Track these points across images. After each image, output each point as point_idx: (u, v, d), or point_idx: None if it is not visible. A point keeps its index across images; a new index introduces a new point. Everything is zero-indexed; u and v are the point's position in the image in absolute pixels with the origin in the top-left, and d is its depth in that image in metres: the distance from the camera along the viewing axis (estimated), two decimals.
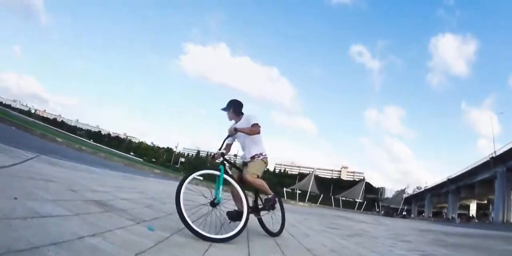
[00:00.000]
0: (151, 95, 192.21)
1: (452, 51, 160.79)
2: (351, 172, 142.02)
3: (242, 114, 3.39)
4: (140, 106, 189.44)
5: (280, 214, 3.57)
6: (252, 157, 3.23)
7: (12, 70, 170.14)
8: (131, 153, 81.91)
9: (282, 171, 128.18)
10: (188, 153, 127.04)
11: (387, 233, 8.13)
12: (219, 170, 2.82)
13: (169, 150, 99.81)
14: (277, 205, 3.43)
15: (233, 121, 3.40)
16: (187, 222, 2.34)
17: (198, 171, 2.74)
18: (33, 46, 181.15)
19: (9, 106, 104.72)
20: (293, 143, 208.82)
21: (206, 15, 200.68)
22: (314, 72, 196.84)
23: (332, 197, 53.37)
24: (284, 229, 3.64)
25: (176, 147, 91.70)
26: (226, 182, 2.85)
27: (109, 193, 3.81)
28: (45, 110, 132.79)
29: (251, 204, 3.10)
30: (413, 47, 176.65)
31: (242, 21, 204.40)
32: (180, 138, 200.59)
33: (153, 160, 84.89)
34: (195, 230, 2.35)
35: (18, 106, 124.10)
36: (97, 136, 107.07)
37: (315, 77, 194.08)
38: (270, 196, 3.25)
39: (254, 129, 3.14)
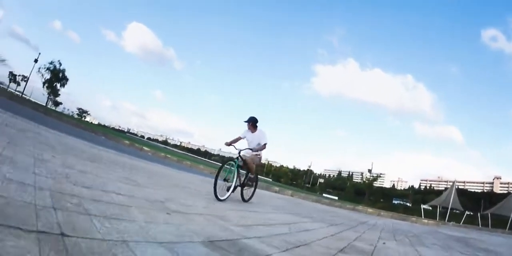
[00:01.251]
0: (287, 121, 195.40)
1: None
2: (505, 183, 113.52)
3: (257, 127, 5.51)
4: (278, 132, 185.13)
5: (252, 190, 5.90)
6: (256, 154, 5.48)
7: (157, 110, 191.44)
8: (270, 177, 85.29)
9: (427, 187, 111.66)
10: (329, 174, 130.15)
11: None
12: (235, 161, 5.11)
13: (308, 172, 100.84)
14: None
15: (247, 131, 5.57)
16: (215, 187, 4.58)
17: (228, 162, 5.08)
18: (171, 88, 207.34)
19: (156, 140, 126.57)
20: (437, 156, 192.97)
21: (327, 34, 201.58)
22: (449, 70, 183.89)
23: (479, 214, 39.19)
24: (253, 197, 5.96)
25: (309, 166, 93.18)
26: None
27: None
28: (189, 142, 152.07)
29: (242, 179, 5.39)
30: None
31: (363, 32, 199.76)
32: (321, 160, 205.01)
33: (293, 182, 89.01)
34: (215, 192, 4.59)
35: (163, 139, 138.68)
36: None
37: (453, 76, 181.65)
38: (252, 176, 5.58)
39: (263, 148, 5.45)
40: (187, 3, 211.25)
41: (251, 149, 5.36)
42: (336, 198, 57.01)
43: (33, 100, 53.93)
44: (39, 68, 48.40)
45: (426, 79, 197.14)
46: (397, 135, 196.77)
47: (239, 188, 5.39)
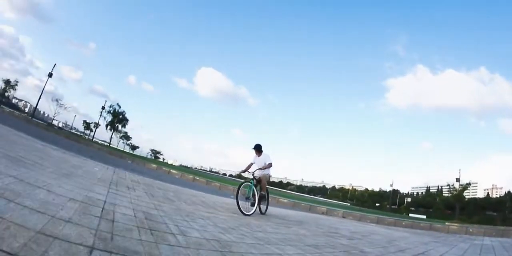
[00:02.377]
0: (368, 142, 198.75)
1: None
2: None
3: (262, 152, 6.61)
4: (360, 155, 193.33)
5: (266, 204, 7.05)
6: (265, 173, 6.59)
7: (237, 148, 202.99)
8: (348, 201, 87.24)
9: None
10: (417, 192, 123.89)
11: None
12: (251, 182, 6.29)
13: (395, 192, 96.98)
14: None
15: (255, 156, 6.68)
16: (239, 205, 5.64)
17: (245, 182, 6.29)
18: (249, 124, 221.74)
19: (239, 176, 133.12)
20: None
21: (391, 44, 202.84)
22: None
23: None
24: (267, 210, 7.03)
25: (391, 185, 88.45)
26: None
27: None
28: (271, 176, 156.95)
29: (258, 196, 6.28)
30: None
31: (424, 33, 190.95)
32: (407, 177, 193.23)
33: (377, 204, 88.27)
34: (240, 209, 5.61)
35: (246, 175, 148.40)
36: (321, 190, 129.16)
37: None
38: (263, 193, 6.55)
39: (269, 166, 6.54)
40: (247, 40, 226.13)
41: (260, 168, 6.51)
42: (424, 217, 52.67)
43: (105, 142, 60.04)
44: (101, 112, 54.23)
45: (501, 66, 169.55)
46: (484, 136, 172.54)
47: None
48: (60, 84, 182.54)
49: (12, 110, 62.51)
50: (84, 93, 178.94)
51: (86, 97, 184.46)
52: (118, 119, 57.52)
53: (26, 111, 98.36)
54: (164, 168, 22.07)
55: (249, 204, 6.09)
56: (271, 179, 7.56)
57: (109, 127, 57.70)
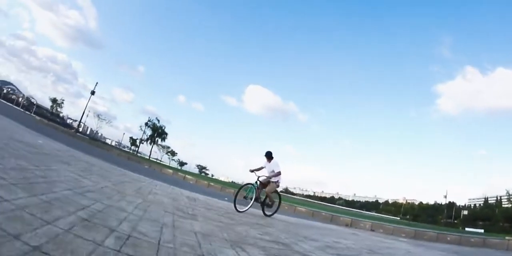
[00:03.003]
0: (420, 151, 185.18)
1: None
2: None
3: (272, 158, 6.98)
4: (413, 166, 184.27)
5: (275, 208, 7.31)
6: (272, 181, 6.84)
7: (289, 164, 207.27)
8: (400, 215, 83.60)
9: None
10: (474, 204, 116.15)
11: None
12: (253, 185, 6.71)
13: (450, 205, 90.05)
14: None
15: (266, 162, 7.02)
16: (235, 202, 6.67)
17: (245, 185, 6.84)
18: (300, 140, 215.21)
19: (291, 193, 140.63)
20: None
21: (435, 47, 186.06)
22: None
23: None
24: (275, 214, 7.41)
25: (445, 197, 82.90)
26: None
27: None
28: (322, 191, 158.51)
29: (262, 200, 6.90)
30: None
31: (469, 31, 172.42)
32: (463, 189, 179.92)
33: (430, 219, 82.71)
34: (235, 206, 6.58)
35: (297, 191, 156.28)
36: (373, 205, 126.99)
37: None
38: (271, 202, 6.98)
39: (277, 174, 6.79)
40: (292, 54, 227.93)
41: (268, 176, 6.90)
42: (482, 231, 47.32)
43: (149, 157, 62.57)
44: (140, 126, 56.43)
45: None
46: None
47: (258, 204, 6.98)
48: (113, 106, 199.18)
49: (66, 128, 68.15)
50: (136, 114, 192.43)
51: (138, 117, 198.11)
52: (157, 133, 58.98)
53: (80, 130, 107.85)
54: (179, 173, 21.87)
55: (246, 202, 6.75)
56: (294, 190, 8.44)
57: (149, 140, 59.40)
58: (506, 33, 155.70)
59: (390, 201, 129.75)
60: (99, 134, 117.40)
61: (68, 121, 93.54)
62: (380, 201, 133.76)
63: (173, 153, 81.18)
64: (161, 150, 74.23)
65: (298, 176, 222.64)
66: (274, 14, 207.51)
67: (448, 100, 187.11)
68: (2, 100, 47.20)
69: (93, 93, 47.40)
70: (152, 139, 59.80)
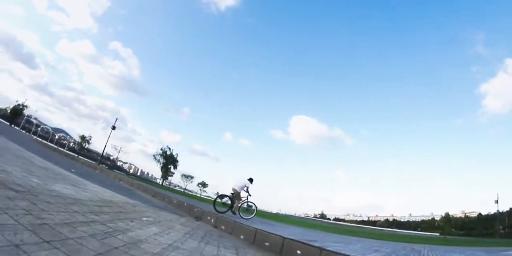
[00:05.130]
0: (474, 159, 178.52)
1: None
2: None
3: (250, 179, 9.48)
4: (468, 177, 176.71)
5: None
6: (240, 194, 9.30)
7: (341, 190, 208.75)
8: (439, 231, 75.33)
9: None
10: None
11: None
12: (228, 196, 9.37)
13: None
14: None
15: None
16: (215, 207, 9.11)
17: (222, 197, 9.64)
18: (350, 165, 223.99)
19: (343, 220, 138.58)
20: None
21: (470, 47, 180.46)
22: None
23: None
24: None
25: (496, 201, 75.19)
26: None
27: None
28: (377, 215, 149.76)
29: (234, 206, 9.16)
30: None
31: (500, 23, 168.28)
32: None
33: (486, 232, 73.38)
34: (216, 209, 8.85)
35: (351, 217, 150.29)
36: (429, 223, 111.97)
37: None
38: (236, 203, 9.18)
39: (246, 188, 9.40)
40: (329, 80, 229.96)
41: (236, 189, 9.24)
42: None
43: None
44: (153, 155, 56.80)
45: None
46: None
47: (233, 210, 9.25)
48: (169, 146, 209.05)
49: (119, 172, 70.38)
50: (184, 154, 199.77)
51: (187, 157, 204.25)
52: (170, 161, 59.01)
53: (131, 172, 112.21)
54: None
55: (224, 208, 9.01)
56: None
57: (163, 169, 59.55)
58: None
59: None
60: (150, 175, 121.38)
61: (119, 163, 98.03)
62: (437, 218, 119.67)
63: (204, 185, 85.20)
64: (184, 179, 76.10)
65: (352, 201, 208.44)
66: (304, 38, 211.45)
67: (494, 99, 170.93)
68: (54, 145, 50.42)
69: (114, 128, 48.81)
70: (166, 167, 59.58)
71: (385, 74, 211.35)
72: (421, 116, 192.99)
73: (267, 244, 4.95)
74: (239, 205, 9.13)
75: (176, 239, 3.74)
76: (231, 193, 9.20)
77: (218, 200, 9.62)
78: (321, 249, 4.05)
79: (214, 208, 8.96)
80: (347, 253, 3.94)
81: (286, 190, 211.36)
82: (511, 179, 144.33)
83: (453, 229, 79.21)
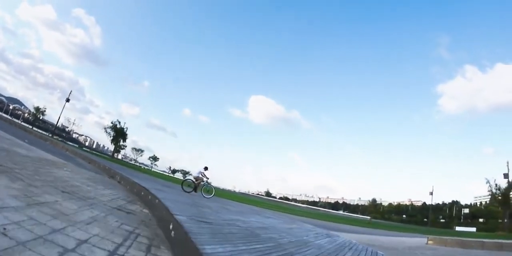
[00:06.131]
0: (428, 154, 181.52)
1: None
2: None
3: (205, 168, 12.68)
4: (421, 169, 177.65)
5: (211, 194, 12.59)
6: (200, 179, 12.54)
7: (296, 171, 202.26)
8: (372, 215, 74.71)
9: None
10: (481, 202, 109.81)
11: None
12: (191, 180, 12.93)
13: (453, 204, 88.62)
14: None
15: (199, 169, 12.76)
16: (183, 188, 12.54)
17: (187, 180, 13.69)
18: (305, 147, 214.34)
19: (290, 199, 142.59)
20: None
21: (433, 49, 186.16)
22: None
23: None
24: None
25: (431, 193, 71.44)
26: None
27: None
28: (328, 197, 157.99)
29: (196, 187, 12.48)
30: None
31: (465, 29, 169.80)
32: (472, 188, 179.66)
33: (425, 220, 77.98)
34: (183, 189, 12.36)
35: (303, 198, 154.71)
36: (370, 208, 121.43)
37: None
38: (197, 189, 12.50)
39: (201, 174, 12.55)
40: (291, 63, 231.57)
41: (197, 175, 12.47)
42: (474, 229, 47.39)
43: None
44: (105, 128, 59.47)
45: None
46: None
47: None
48: (119, 120, 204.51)
49: (74, 144, 70.97)
50: (142, 127, 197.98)
51: (145, 130, 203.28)
52: (119, 134, 61.69)
53: (86, 144, 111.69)
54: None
55: (190, 189, 12.35)
56: None
57: (113, 141, 62.31)
58: (502, 29, 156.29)
59: (394, 204, 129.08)
60: (106, 148, 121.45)
61: (74, 135, 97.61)
62: (384, 204, 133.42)
63: (155, 159, 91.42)
64: (135, 153, 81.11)
65: (307, 183, 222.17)
66: (271, 22, 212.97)
67: (450, 100, 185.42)
68: (6, 115, 50.97)
69: (68, 100, 50.74)
70: (116, 140, 62.20)
71: (348, 62, 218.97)
72: (380, 108, 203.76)
73: (135, 190, 9.49)
74: (201, 186, 12.49)
75: (77, 177, 8.10)
76: (194, 178, 12.60)
77: (185, 183, 13.07)
78: (157, 198, 8.66)
79: (182, 188, 12.46)
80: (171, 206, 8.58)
81: (243, 168, 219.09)
82: (464, 173, 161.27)
83: (388, 215, 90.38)
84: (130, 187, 9.29)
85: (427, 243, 12.29)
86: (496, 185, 39.95)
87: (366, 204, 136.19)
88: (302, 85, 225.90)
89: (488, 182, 39.69)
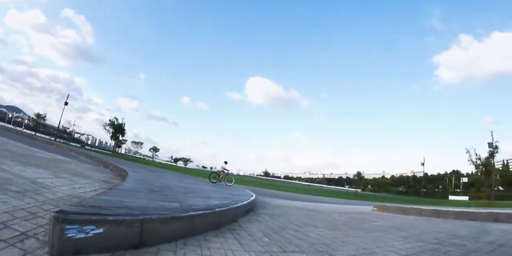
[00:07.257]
0: (430, 125, 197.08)
1: None
2: None
3: (225, 162, 17.18)
4: (424, 140, 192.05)
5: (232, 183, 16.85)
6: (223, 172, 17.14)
7: (301, 151, 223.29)
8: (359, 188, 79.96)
9: None
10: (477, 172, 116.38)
11: None
12: (216, 173, 17.45)
13: (452, 173, 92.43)
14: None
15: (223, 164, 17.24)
16: (210, 179, 17.01)
17: (212, 173, 17.72)
18: (307, 126, 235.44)
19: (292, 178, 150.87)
20: None
21: (426, 20, 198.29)
22: None
23: None
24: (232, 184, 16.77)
25: (422, 164, 79.27)
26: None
27: None
28: (331, 173, 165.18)
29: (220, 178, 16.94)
30: None
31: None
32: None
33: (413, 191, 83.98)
34: (211, 181, 16.75)
35: (307, 176, 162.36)
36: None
37: None
38: (221, 177, 16.95)
39: (223, 168, 17.14)
40: (285, 43, 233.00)
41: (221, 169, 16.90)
42: (466, 198, 50.11)
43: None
44: (103, 125, 63.69)
45: None
46: None
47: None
48: (119, 115, 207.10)
49: (76, 144, 74.89)
50: (142, 120, 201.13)
51: (145, 123, 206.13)
52: (118, 130, 65.81)
53: (89, 143, 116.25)
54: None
55: (215, 180, 16.47)
56: None
57: (113, 138, 66.60)
58: None
59: (396, 176, 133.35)
60: (108, 144, 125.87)
61: (76, 135, 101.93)
62: (387, 176, 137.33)
63: (155, 149, 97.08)
64: (135, 146, 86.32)
65: (311, 161, 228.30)
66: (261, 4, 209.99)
67: (447, 71, 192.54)
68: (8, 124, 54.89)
69: (66, 104, 54.15)
70: (115, 136, 66.35)
71: (343, 38, 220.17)
72: (380, 80, 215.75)
73: (122, 174, 13.56)
74: (224, 177, 16.58)
75: (81, 168, 12.14)
76: (217, 172, 16.95)
77: (211, 176, 17.14)
78: (125, 171, 12.75)
79: (209, 180, 16.67)
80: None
81: (247, 150, 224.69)
82: (467, 142, 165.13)
83: (373, 186, 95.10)
84: (118, 173, 13.35)
85: (372, 210, 13.64)
86: (476, 154, 39.66)
87: (371, 177, 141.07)
88: (299, 64, 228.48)
89: (468, 152, 40.16)
